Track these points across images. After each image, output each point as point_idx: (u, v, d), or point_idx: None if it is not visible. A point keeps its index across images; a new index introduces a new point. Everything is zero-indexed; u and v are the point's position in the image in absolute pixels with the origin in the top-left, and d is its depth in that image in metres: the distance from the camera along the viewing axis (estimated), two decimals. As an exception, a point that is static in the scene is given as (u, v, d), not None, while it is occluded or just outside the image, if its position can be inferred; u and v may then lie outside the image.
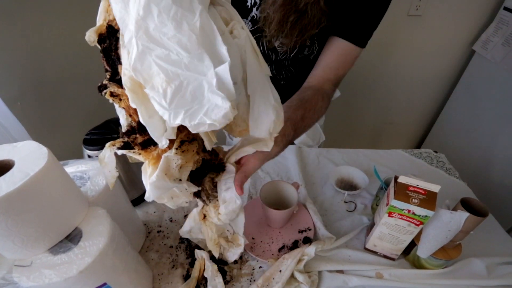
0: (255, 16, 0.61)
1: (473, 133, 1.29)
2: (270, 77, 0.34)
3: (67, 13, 1.05)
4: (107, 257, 0.37)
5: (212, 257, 0.54)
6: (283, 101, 0.38)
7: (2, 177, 0.32)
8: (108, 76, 0.30)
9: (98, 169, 0.49)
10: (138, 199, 0.69)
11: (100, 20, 0.28)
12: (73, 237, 0.38)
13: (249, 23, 0.63)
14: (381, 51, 1.31)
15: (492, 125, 1.18)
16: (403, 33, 1.27)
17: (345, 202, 0.71)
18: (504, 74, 1.12)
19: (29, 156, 0.35)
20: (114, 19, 0.26)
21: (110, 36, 0.28)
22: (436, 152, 0.89)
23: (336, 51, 0.59)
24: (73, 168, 0.49)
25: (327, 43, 0.61)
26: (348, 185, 0.76)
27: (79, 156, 0.62)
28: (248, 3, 0.61)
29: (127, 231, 0.53)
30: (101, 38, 0.28)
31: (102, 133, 0.62)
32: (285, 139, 0.45)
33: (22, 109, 0.83)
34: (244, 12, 0.62)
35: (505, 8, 1.12)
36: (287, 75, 0.75)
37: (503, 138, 1.13)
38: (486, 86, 1.22)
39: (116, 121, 0.67)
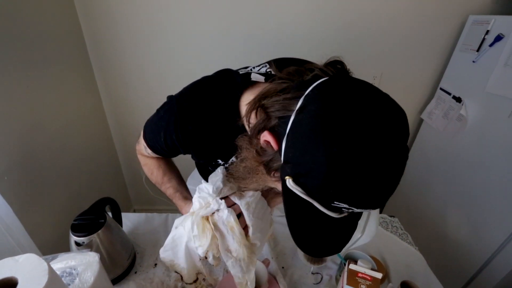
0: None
1: (429, 192, 1.45)
2: None
3: (57, 87, 1.14)
4: None
5: None
6: None
7: (8, 298, 0.37)
8: None
9: (86, 264, 0.54)
10: (120, 277, 0.73)
11: None
12: None
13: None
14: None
15: (443, 186, 1.35)
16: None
17: (312, 273, 0.78)
18: (447, 142, 1.32)
19: (31, 273, 0.41)
20: None
21: None
22: (391, 216, 1.02)
23: None
24: (62, 263, 0.54)
25: None
26: (315, 254, 0.84)
27: (66, 234, 0.66)
28: (220, 162, 0.63)
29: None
30: None
31: (90, 218, 0.67)
32: None
33: (9, 184, 0.86)
34: (217, 166, 0.64)
35: (441, 89, 1.37)
36: None
37: (453, 200, 1.30)
38: (435, 150, 1.42)
39: (102, 202, 0.73)
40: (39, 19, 1.03)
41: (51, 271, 0.42)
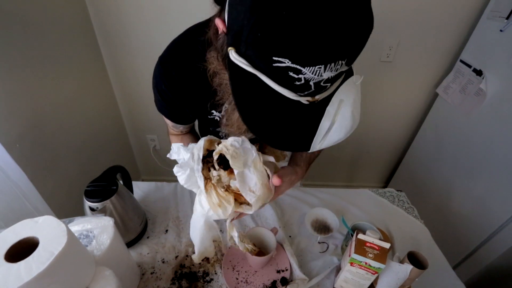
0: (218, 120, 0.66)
1: (436, 167, 1.44)
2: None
3: (63, 60, 1.11)
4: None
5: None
6: None
7: (31, 256, 0.39)
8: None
9: (102, 227, 0.56)
10: (133, 241, 0.76)
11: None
12: (83, 297, 0.45)
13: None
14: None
15: (453, 162, 1.34)
16: (376, 76, 1.42)
17: (318, 243, 0.81)
18: (461, 118, 1.28)
19: (51, 233, 0.42)
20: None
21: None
22: (398, 190, 1.02)
23: None
24: (79, 226, 0.56)
25: None
26: (322, 225, 0.86)
27: (79, 200, 0.68)
28: (215, 114, 0.63)
29: (124, 275, 0.60)
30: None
31: (102, 185, 0.69)
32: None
33: (21, 152, 0.87)
34: (214, 121, 0.65)
35: (461, 61, 1.29)
36: None
37: (461, 175, 1.29)
38: (447, 126, 1.38)
39: (113, 170, 0.74)
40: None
41: (70, 232, 0.43)
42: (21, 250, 0.41)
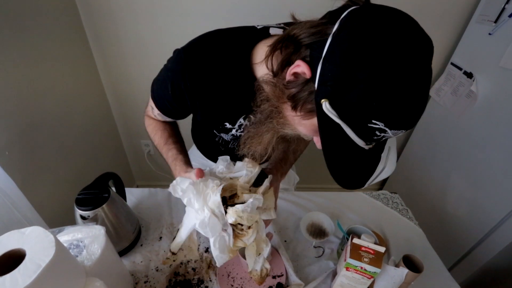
0: (236, 135, 0.65)
1: (431, 169, 1.45)
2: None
3: (54, 61, 1.09)
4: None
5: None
6: None
7: (17, 269, 0.38)
8: None
9: (93, 236, 0.55)
10: (126, 249, 0.75)
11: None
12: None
13: (230, 136, 0.67)
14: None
15: (446, 164, 1.35)
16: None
17: (314, 247, 0.80)
18: (453, 119, 1.30)
19: (38, 245, 0.41)
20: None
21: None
22: (392, 192, 1.02)
23: None
24: (69, 236, 0.55)
25: None
26: (318, 229, 0.86)
27: (71, 209, 0.67)
28: (227, 126, 0.62)
29: (116, 285, 0.59)
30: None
31: (94, 192, 0.67)
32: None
33: (10, 159, 0.85)
34: (224, 130, 0.64)
35: (452, 64, 1.31)
36: None
37: (454, 177, 1.30)
38: (440, 127, 1.40)
39: (105, 177, 0.73)
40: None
41: (58, 243, 0.42)
42: (7, 263, 0.40)
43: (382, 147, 0.43)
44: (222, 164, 0.57)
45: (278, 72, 0.44)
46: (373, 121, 0.34)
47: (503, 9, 1.02)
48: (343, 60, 0.34)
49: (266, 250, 0.57)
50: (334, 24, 0.36)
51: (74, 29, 1.23)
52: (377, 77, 0.32)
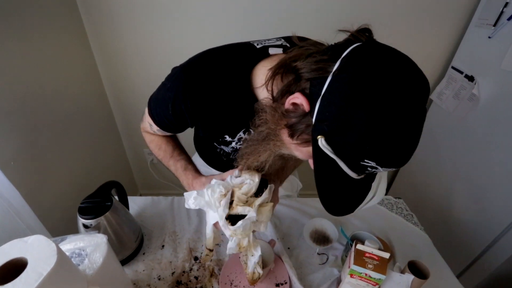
0: (236, 147, 0.66)
1: (436, 174, 1.44)
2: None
3: (56, 62, 1.11)
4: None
5: None
6: None
7: (19, 278, 0.38)
8: None
9: (95, 245, 0.55)
10: (128, 258, 0.74)
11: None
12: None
13: (230, 148, 0.68)
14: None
15: (451, 168, 1.33)
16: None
17: (318, 254, 0.79)
18: (456, 123, 1.29)
19: (40, 254, 0.41)
20: None
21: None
22: (396, 198, 1.01)
23: None
24: (71, 245, 0.55)
25: None
26: (321, 236, 0.85)
27: (74, 218, 0.67)
28: (227, 139, 0.63)
29: (118, 295, 0.59)
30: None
31: (96, 201, 0.68)
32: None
33: (15, 169, 0.86)
34: (224, 142, 0.65)
35: (453, 67, 1.31)
36: None
37: (460, 181, 1.28)
38: (443, 131, 1.39)
39: (108, 186, 0.74)
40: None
41: (60, 252, 0.42)
42: (9, 272, 0.40)
43: (373, 177, 0.45)
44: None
45: (278, 98, 0.45)
46: (366, 160, 0.36)
47: (502, 12, 1.03)
48: (342, 102, 0.35)
49: (256, 255, 0.59)
50: (335, 62, 0.37)
51: (76, 34, 1.23)
52: (373, 122, 0.33)
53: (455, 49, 1.31)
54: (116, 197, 0.79)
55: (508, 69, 1.02)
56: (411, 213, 0.95)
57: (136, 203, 0.93)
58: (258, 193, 0.55)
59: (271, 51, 0.52)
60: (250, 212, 0.52)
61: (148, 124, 0.65)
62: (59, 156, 1.11)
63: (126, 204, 0.82)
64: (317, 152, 0.38)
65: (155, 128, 0.64)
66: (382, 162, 0.36)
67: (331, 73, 0.36)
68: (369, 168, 0.37)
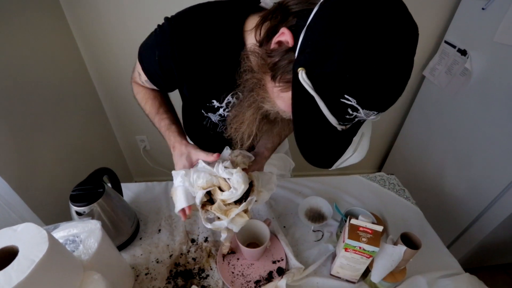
0: (224, 115, 0.64)
1: (428, 150, 1.46)
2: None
3: (39, 50, 1.06)
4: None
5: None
6: None
7: (10, 265, 0.37)
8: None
9: (89, 231, 0.54)
10: (125, 243, 0.74)
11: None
12: (72, 304, 0.43)
13: (218, 116, 0.66)
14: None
15: (443, 143, 1.35)
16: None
17: (313, 231, 0.80)
18: (449, 99, 1.29)
19: (31, 241, 0.40)
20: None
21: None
22: (388, 174, 1.03)
23: None
24: (64, 232, 0.54)
25: None
26: (316, 213, 0.86)
27: (67, 206, 0.66)
28: (215, 104, 0.61)
29: (116, 278, 0.59)
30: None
31: (88, 188, 0.67)
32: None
33: (2, 160, 0.84)
34: (211, 109, 0.63)
35: (446, 42, 1.30)
36: None
37: (451, 156, 1.30)
38: (436, 108, 1.39)
39: (99, 173, 0.72)
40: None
41: (51, 238, 0.41)
42: (0, 261, 0.39)
43: (355, 130, 0.43)
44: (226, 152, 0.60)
45: (263, 42, 0.44)
46: (346, 95, 0.34)
47: (496, -18, 1.00)
48: (324, 27, 0.33)
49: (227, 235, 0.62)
50: None
51: (53, 15, 1.17)
52: (354, 48, 0.31)
53: (448, 23, 1.29)
54: (109, 184, 0.78)
55: (501, 42, 1.01)
56: (403, 188, 0.97)
57: (130, 190, 0.93)
58: (238, 201, 0.55)
59: (263, 4, 0.51)
60: (223, 222, 0.54)
61: (137, 73, 0.63)
62: (47, 146, 1.08)
63: (119, 190, 0.81)
64: (297, 92, 0.36)
65: (143, 78, 0.61)
66: (363, 101, 0.34)
67: (319, 4, 0.35)
68: (349, 110, 0.35)
